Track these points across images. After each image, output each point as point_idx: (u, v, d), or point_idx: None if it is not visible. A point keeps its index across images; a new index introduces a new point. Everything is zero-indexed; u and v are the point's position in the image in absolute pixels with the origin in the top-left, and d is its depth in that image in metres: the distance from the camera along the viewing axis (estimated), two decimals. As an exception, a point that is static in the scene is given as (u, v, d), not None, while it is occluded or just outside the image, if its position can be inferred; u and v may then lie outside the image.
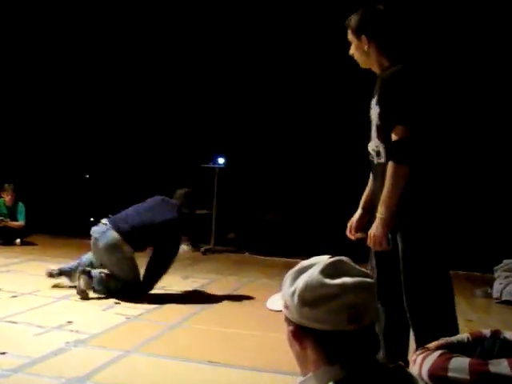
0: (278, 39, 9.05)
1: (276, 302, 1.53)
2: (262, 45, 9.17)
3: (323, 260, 1.42)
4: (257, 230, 9.48)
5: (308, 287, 1.37)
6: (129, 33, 9.65)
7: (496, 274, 6.53)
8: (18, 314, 4.48)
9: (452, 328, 2.85)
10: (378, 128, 2.92)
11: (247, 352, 3.92)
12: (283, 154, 9.45)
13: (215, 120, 9.47)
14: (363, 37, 2.95)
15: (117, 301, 5.15)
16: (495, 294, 6.29)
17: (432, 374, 2.00)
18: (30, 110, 10.10)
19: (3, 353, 3.49)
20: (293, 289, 1.40)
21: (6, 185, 8.80)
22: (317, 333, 1.37)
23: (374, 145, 2.98)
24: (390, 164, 2.81)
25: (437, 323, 2.86)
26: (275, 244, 8.86)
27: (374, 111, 2.95)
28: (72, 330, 4.14)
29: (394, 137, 2.81)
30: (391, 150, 2.83)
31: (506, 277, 6.35)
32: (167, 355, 3.73)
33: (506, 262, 6.57)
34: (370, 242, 2.88)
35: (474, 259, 7.70)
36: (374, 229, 2.85)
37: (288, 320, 1.44)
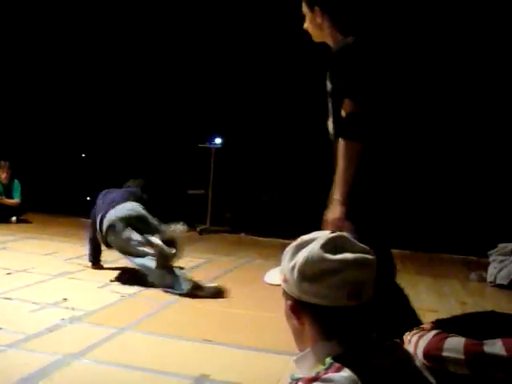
0: (277, 21, 9.00)
1: (274, 276, 1.52)
2: (260, 26, 9.12)
3: (324, 235, 1.41)
4: (253, 211, 9.48)
5: (308, 262, 1.36)
6: (125, 18, 9.60)
7: (491, 258, 6.54)
8: (13, 291, 4.49)
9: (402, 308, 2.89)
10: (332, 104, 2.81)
11: (243, 331, 3.93)
12: (280, 135, 9.42)
13: (212, 99, 9.42)
14: (316, 8, 2.83)
15: (112, 279, 5.15)
16: (489, 278, 6.32)
17: (427, 354, 2.00)
18: (28, 89, 10.05)
19: (-2, 328, 3.50)
20: (292, 263, 1.39)
21: (2, 162, 8.78)
22: (315, 308, 1.36)
23: (330, 123, 2.87)
24: (341, 141, 2.67)
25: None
26: (271, 225, 8.86)
27: (328, 87, 2.83)
28: (67, 307, 4.15)
29: (343, 112, 2.67)
30: (341, 126, 2.70)
31: (501, 261, 6.37)
32: (162, 333, 3.73)
33: (501, 246, 6.59)
34: (326, 227, 2.61)
35: (469, 243, 7.72)
36: (330, 213, 2.69)
37: (286, 294, 1.44)
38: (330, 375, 1.27)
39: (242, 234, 8.93)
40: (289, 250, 1.44)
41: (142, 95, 9.83)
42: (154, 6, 9.50)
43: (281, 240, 7.87)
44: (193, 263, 6.26)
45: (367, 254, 1.39)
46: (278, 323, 3.64)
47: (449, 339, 1.98)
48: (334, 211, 2.68)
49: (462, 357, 1.90)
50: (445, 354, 1.94)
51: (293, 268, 1.38)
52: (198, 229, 8.84)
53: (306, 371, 1.41)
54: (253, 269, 6.14)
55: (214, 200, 9.12)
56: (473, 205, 8.30)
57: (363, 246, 1.41)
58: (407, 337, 2.26)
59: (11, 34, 9.73)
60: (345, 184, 2.66)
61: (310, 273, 1.35)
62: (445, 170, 8.47)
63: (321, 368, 1.32)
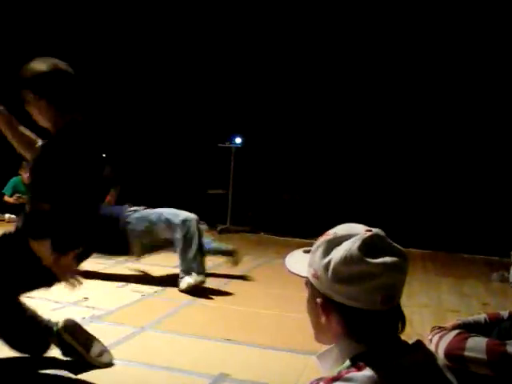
0: (301, 16, 8.99)
1: (299, 264, 1.47)
2: (284, 21, 9.11)
3: (360, 232, 1.36)
4: (273, 211, 9.47)
5: (346, 263, 1.31)
6: (146, 17, 9.63)
7: (513, 258, 6.47)
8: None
9: None
10: None
11: (263, 330, 3.92)
12: (301, 134, 9.41)
13: (233, 99, 9.43)
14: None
15: (132, 278, 5.18)
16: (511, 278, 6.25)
17: (448, 353, 1.98)
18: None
19: (20, 327, 3.52)
20: (326, 261, 1.34)
21: (24, 162, 8.84)
22: (346, 309, 1.32)
23: None
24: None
25: None
26: (291, 224, 8.85)
27: None
28: (88, 306, 4.18)
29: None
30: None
31: (524, 261, 6.30)
32: (182, 332, 3.74)
33: (523, 245, 6.52)
34: None
35: (491, 243, 7.65)
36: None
37: (315, 290, 1.39)
38: (352, 374, 1.25)
39: (262, 234, 8.92)
40: (321, 244, 1.38)
41: (163, 95, 9.87)
42: (178, 6, 9.53)
43: (300, 239, 7.86)
44: (212, 263, 6.26)
45: (403, 256, 1.35)
46: (297, 323, 3.64)
47: (470, 339, 1.97)
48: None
49: (485, 357, 1.88)
50: (466, 353, 1.93)
51: (327, 266, 1.33)
52: (218, 228, 8.85)
53: (328, 367, 1.40)
54: (272, 268, 6.13)
55: (235, 200, 9.12)
56: (495, 204, 8.23)
57: (399, 247, 1.37)
58: (428, 336, 2.24)
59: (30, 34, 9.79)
60: None
61: (346, 274, 1.30)
62: (467, 169, 8.41)
63: (343, 367, 1.31)
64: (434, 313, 4.69)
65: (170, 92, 9.85)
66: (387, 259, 1.31)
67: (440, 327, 2.28)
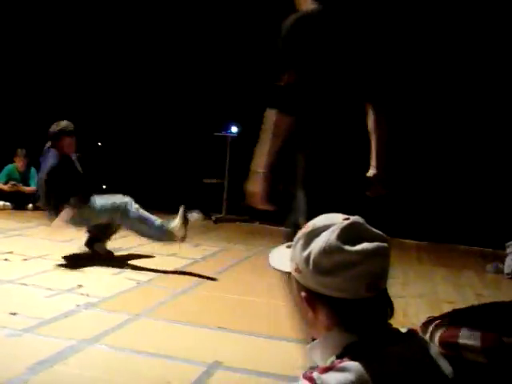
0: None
1: (281, 260, 1.46)
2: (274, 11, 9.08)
3: (338, 222, 1.33)
4: (269, 200, 9.45)
5: (325, 253, 1.29)
6: (139, 13, 9.60)
7: (508, 250, 6.48)
8: (28, 277, 4.52)
9: None
10: None
11: (258, 319, 3.93)
12: (296, 124, 9.39)
13: (228, 88, 9.39)
14: None
15: (127, 265, 5.17)
16: (506, 270, 6.27)
17: (443, 341, 1.97)
18: (43, 77, 10.08)
19: (14, 313, 3.53)
20: (306, 253, 1.32)
21: (19, 150, 8.82)
22: (332, 300, 1.31)
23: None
24: (270, 112, 2.61)
25: None
26: (287, 214, 8.83)
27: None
28: (82, 294, 4.17)
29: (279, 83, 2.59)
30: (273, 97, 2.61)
31: (518, 253, 6.32)
32: (177, 320, 3.74)
33: (518, 237, 6.54)
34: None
35: (486, 235, 7.67)
36: (250, 185, 2.74)
37: (298, 284, 1.38)
38: (346, 364, 1.24)
39: (257, 223, 8.92)
40: (300, 237, 1.36)
41: (157, 84, 9.83)
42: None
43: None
44: (208, 252, 6.27)
45: (384, 241, 1.33)
46: (291, 311, 3.64)
47: (465, 327, 1.96)
48: (254, 185, 2.68)
49: (479, 344, 1.88)
50: (461, 341, 1.92)
51: (307, 259, 1.32)
52: (213, 218, 8.84)
53: (320, 359, 1.39)
54: (267, 257, 6.08)
55: (230, 189, 9.10)
56: (490, 196, 8.23)
57: (379, 232, 1.35)
58: (423, 325, 2.24)
59: (27, 33, 9.75)
60: (269, 155, 2.65)
61: (327, 265, 1.29)
62: (463, 161, 8.40)
63: (335, 357, 1.30)
64: (428, 303, 4.70)
65: (165, 81, 9.81)
66: (367, 245, 1.29)
67: (435, 317, 2.27)
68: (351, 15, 2.66)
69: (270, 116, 2.58)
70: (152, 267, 5.20)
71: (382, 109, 2.73)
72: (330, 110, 2.63)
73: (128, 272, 5.00)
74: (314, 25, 2.56)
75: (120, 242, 5.81)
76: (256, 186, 2.65)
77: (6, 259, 5.10)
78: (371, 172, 2.76)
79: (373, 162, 2.74)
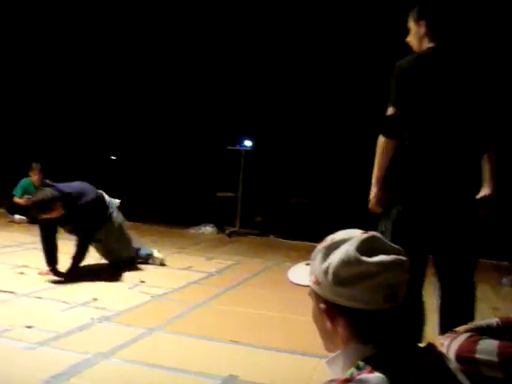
0: (309, 17, 8.98)
1: (301, 275, 1.49)
2: (292, 24, 9.11)
3: (356, 235, 1.37)
4: (282, 214, 9.46)
5: (344, 264, 1.32)
6: (155, 20, 9.66)
7: (524, 263, 6.45)
8: (44, 290, 4.54)
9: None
10: None
11: (272, 333, 3.91)
12: (310, 138, 9.40)
13: (242, 102, 9.43)
14: (422, 22, 3.16)
15: (142, 279, 5.18)
16: (522, 283, 6.23)
17: (459, 356, 1.96)
18: (59, 91, 10.16)
19: (30, 326, 3.54)
20: (325, 265, 1.35)
21: (34, 164, 8.88)
22: (350, 311, 1.33)
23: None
24: (380, 137, 3.12)
25: None
26: (300, 228, 8.83)
27: None
28: (97, 307, 4.18)
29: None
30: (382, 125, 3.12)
31: (534, 266, 6.28)
32: (191, 334, 3.74)
33: (534, 250, 6.49)
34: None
35: (501, 248, 7.61)
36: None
37: (318, 296, 1.39)
38: (365, 376, 1.24)
39: (271, 237, 8.92)
40: (319, 250, 1.39)
41: (172, 97, 9.88)
42: (187, 8, 9.55)
43: (309, 243, 7.84)
44: (222, 265, 6.27)
45: (401, 254, 1.35)
46: (305, 325, 3.62)
47: (481, 341, 1.95)
48: (371, 192, 3.18)
49: (496, 359, 1.86)
50: (477, 355, 1.90)
51: (326, 271, 1.34)
52: (227, 231, 8.85)
53: (338, 372, 1.39)
54: (281, 271, 6.11)
55: (244, 203, 9.11)
56: (505, 210, 8.17)
57: (396, 246, 1.38)
58: (439, 340, 2.23)
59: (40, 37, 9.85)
60: (378, 171, 3.12)
61: (346, 276, 1.31)
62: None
63: (354, 370, 1.30)
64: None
65: (180, 94, 9.87)
66: (384, 257, 1.32)
67: (452, 331, 2.26)
68: (468, 54, 3.13)
69: (380, 140, 3.10)
70: (166, 281, 5.22)
71: (493, 133, 3.12)
72: (442, 139, 3.05)
73: (142, 286, 5.01)
74: (432, 63, 3.03)
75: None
76: (372, 193, 3.18)
77: (21, 272, 5.13)
78: (486, 192, 3.13)
79: (486, 183, 3.11)
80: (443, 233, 3.15)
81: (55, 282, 4.88)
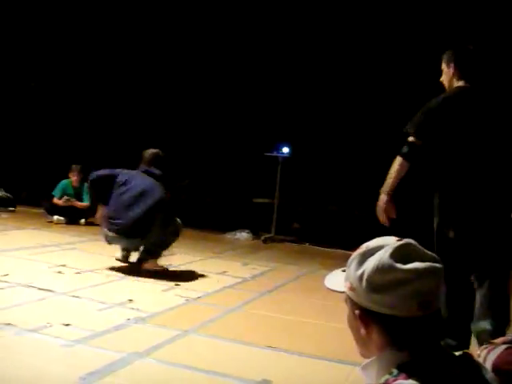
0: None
1: (337, 281, 1.49)
2: (327, 32, 9.11)
3: (391, 243, 1.37)
4: (318, 221, 9.44)
5: (378, 271, 1.32)
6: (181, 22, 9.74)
7: None
8: (81, 290, 4.60)
9: None
10: None
11: (305, 339, 3.91)
12: (348, 146, 9.37)
13: (281, 108, 9.45)
14: (451, 65, 3.70)
15: (177, 282, 5.22)
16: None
17: (496, 368, 1.95)
18: (100, 94, 10.30)
19: (67, 324, 3.59)
20: (360, 272, 1.35)
21: (74, 166, 9.01)
22: (384, 318, 1.33)
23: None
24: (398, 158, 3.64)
25: None
26: (336, 236, 8.81)
27: None
28: (133, 308, 4.22)
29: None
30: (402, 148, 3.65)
31: None
32: (225, 337, 3.75)
33: None
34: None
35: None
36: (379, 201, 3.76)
37: (353, 302, 1.40)
38: (400, 382, 1.24)
39: (307, 244, 8.90)
40: (354, 257, 1.40)
41: (212, 104, 9.95)
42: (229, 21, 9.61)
43: (345, 251, 7.81)
44: (257, 271, 6.28)
45: (436, 262, 1.35)
46: (339, 332, 3.62)
47: (520, 354, 1.93)
48: (379, 201, 3.71)
49: (534, 372, 1.85)
50: (516, 368, 1.89)
51: (361, 277, 1.35)
52: (262, 237, 8.87)
53: (373, 378, 1.39)
54: (315, 278, 6.11)
55: (280, 209, 9.12)
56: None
57: (431, 253, 1.37)
58: (477, 351, 2.21)
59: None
60: (391, 183, 3.65)
61: (380, 283, 1.31)
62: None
63: (388, 376, 1.30)
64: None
65: (220, 101, 9.93)
66: (419, 265, 1.31)
67: (489, 342, 2.24)
68: (490, 93, 3.67)
69: (398, 160, 3.61)
70: (201, 285, 5.25)
71: None
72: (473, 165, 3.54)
73: (177, 289, 5.05)
74: (459, 103, 3.56)
75: (170, 260, 5.88)
76: (382, 200, 3.69)
77: (59, 272, 5.21)
78: None
79: None
80: (486, 248, 3.58)
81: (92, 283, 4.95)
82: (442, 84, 3.81)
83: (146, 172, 5.74)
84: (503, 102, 3.69)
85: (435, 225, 3.66)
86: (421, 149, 3.57)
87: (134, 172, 5.76)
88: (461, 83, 3.65)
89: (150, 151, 5.96)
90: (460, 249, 3.53)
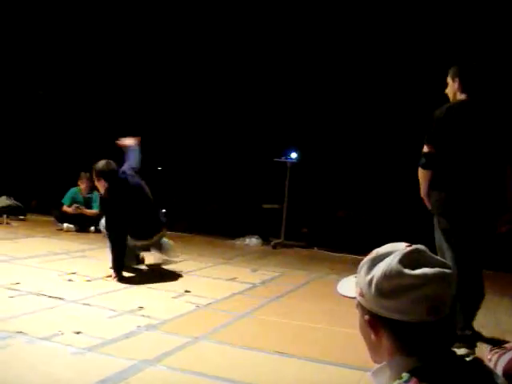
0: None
1: (348, 287, 1.50)
2: (336, 40, 9.11)
3: (401, 248, 1.38)
4: (327, 226, 9.43)
5: (387, 277, 1.33)
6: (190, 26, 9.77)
7: None
8: (92, 297, 4.62)
9: None
10: None
11: (315, 345, 3.91)
12: (357, 151, 9.36)
13: (289, 114, 9.46)
14: (456, 79, 4.13)
15: (187, 289, 5.22)
16: None
17: (507, 372, 1.95)
18: (106, 104, 10.34)
19: (78, 332, 3.61)
20: (369, 277, 1.37)
21: (83, 173, 9.04)
22: (394, 323, 1.34)
23: None
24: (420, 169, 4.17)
25: None
26: (345, 241, 8.80)
27: None
28: (143, 315, 4.23)
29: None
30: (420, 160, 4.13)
31: None
32: (235, 344, 3.75)
33: None
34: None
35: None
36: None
37: (363, 308, 1.41)
38: None
39: (315, 249, 8.89)
40: (364, 263, 1.42)
41: (220, 110, 9.97)
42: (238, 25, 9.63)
43: (354, 256, 7.80)
44: (266, 276, 6.28)
45: (445, 268, 1.36)
46: (350, 338, 3.63)
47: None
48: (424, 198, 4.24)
49: (546, 377, 1.84)
50: (527, 373, 1.88)
51: (370, 282, 1.36)
52: (272, 243, 8.87)
53: (384, 383, 1.39)
54: (325, 283, 6.11)
55: (289, 215, 9.12)
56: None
57: (441, 259, 1.39)
58: (487, 356, 2.20)
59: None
60: (423, 189, 4.19)
61: (389, 288, 1.33)
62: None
63: (399, 381, 1.30)
64: (491, 334, 4.59)
65: (228, 107, 9.95)
66: (427, 270, 1.33)
67: (500, 347, 2.24)
68: (493, 106, 4.06)
69: (419, 171, 4.14)
70: (211, 291, 5.25)
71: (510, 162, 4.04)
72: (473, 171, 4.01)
73: (187, 295, 5.05)
74: (461, 113, 3.98)
75: (180, 266, 5.89)
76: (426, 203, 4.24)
77: (70, 279, 5.23)
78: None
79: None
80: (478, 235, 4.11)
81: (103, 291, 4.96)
82: (446, 95, 4.23)
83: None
84: (500, 113, 4.07)
85: (442, 221, 4.12)
86: (436, 155, 3.99)
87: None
88: (463, 96, 4.09)
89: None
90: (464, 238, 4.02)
